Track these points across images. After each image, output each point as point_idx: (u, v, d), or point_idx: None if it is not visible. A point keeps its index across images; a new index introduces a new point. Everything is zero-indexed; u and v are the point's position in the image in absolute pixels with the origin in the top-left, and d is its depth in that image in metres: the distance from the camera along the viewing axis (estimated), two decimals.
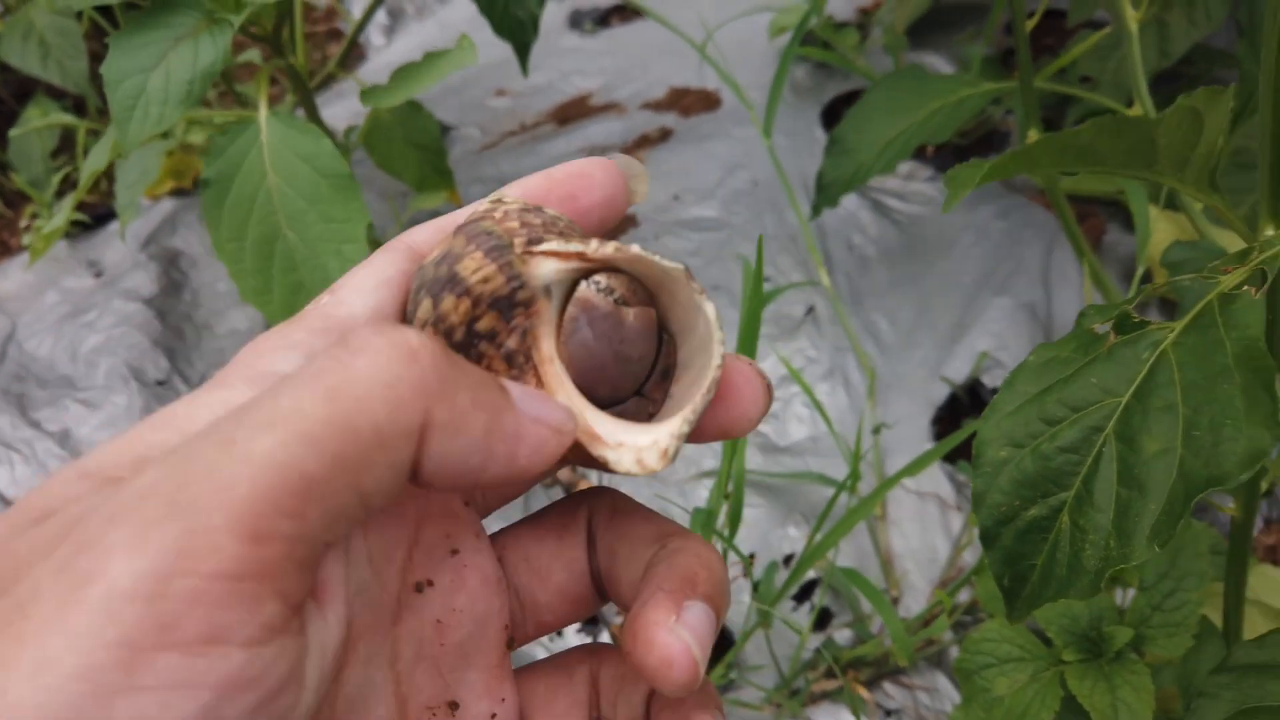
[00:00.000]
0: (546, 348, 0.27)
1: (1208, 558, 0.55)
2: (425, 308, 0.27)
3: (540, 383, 0.26)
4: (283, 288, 0.71)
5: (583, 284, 0.27)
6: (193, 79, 0.69)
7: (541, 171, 0.29)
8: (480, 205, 0.28)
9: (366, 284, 0.27)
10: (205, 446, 0.20)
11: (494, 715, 0.28)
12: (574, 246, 0.26)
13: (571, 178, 0.29)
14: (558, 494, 0.85)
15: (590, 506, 0.30)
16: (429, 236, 0.29)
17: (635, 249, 0.26)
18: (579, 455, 0.26)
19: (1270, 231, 0.39)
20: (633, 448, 0.26)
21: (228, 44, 0.70)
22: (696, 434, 0.27)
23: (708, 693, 0.27)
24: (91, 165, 0.79)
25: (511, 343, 0.26)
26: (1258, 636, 0.46)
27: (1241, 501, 0.53)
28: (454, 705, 0.27)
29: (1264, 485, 0.56)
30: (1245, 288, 0.36)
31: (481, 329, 0.26)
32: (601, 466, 0.26)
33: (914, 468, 0.64)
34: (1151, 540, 0.34)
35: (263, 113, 0.72)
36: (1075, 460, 0.38)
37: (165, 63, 0.70)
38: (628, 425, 0.27)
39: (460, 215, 0.29)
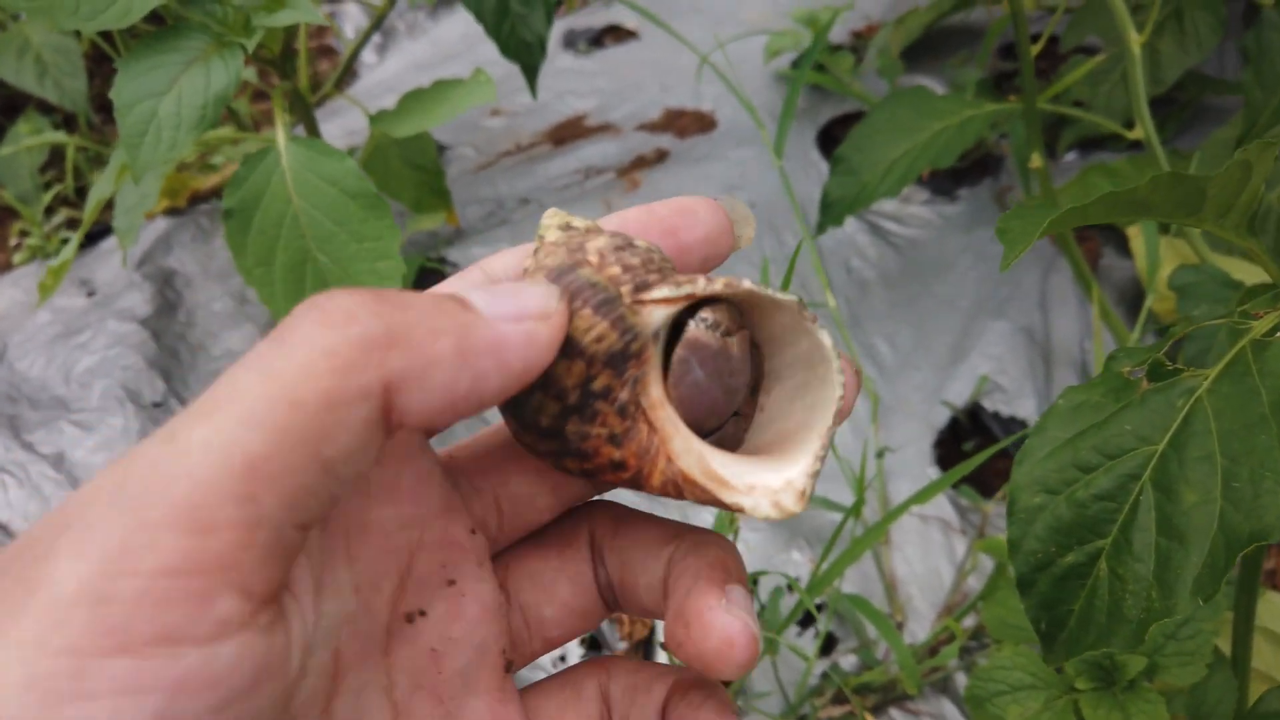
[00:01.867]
0: (655, 392, 0.26)
1: (1223, 588, 0.56)
2: None
3: (652, 428, 0.26)
4: None
5: (691, 324, 0.26)
6: (205, 103, 0.69)
7: (640, 206, 0.28)
8: (553, 235, 0.27)
9: None
10: (148, 445, 0.20)
11: None
12: (684, 290, 0.25)
13: (674, 213, 0.28)
14: None
15: (591, 520, 0.29)
16: (509, 264, 0.28)
17: (747, 284, 0.26)
18: (705, 499, 0.26)
19: None
20: (766, 490, 0.25)
21: (239, 68, 0.70)
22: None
23: (724, 698, 0.27)
24: (98, 193, 0.79)
25: (624, 395, 0.25)
26: None
27: None
28: None
29: None
30: (1278, 334, 0.37)
31: (597, 389, 0.25)
32: (735, 511, 0.26)
33: (922, 496, 0.65)
34: (1195, 594, 0.35)
35: (281, 138, 0.72)
36: (1112, 508, 0.39)
37: (177, 87, 0.69)
38: (751, 464, 0.26)
39: (530, 246, 0.28)
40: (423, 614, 0.26)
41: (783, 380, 0.28)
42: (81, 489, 0.20)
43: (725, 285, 0.25)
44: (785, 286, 0.57)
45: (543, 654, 0.29)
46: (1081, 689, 0.56)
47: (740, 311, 0.27)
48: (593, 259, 0.25)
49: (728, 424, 0.28)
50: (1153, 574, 0.37)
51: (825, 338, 0.26)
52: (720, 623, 0.25)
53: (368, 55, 1.60)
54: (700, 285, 0.25)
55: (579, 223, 0.27)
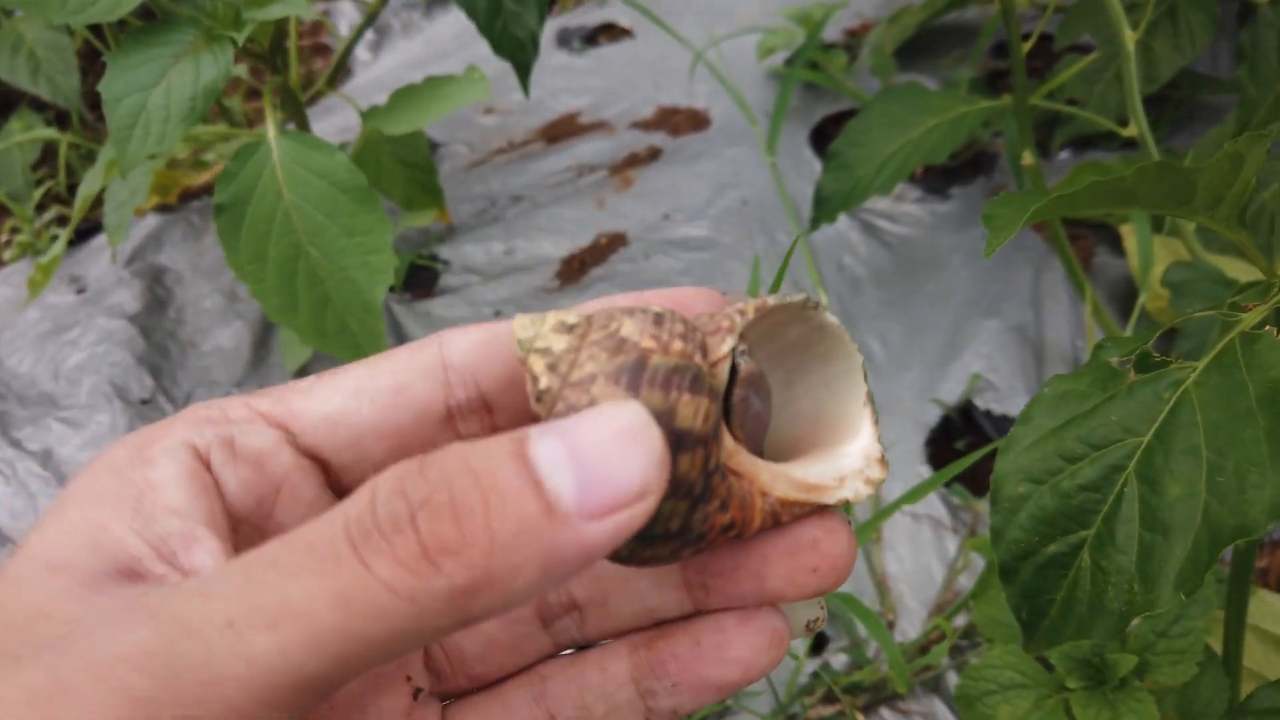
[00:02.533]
0: (728, 440, 0.25)
1: (1213, 585, 0.56)
2: None
3: (739, 475, 0.25)
4: (308, 303, 0.70)
5: (740, 362, 0.25)
6: (195, 96, 0.69)
7: (631, 294, 0.27)
8: (561, 342, 0.24)
9: (354, 385, 0.25)
10: (200, 620, 0.19)
11: None
12: (738, 336, 0.25)
13: (669, 302, 0.26)
14: None
15: None
16: (471, 347, 0.26)
17: (771, 300, 0.26)
18: (805, 512, 0.25)
19: None
20: (854, 473, 0.26)
21: (229, 61, 0.69)
22: None
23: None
24: (87, 188, 0.78)
25: (719, 459, 0.24)
26: (1277, 679, 0.46)
27: None
28: None
29: None
30: (1267, 327, 0.37)
31: (713, 466, 0.24)
32: (838, 506, 0.26)
33: (914, 495, 0.65)
34: (1177, 588, 0.35)
35: (271, 132, 0.71)
36: (1096, 499, 0.39)
37: (166, 80, 0.69)
38: (821, 459, 0.26)
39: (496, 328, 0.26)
40: None
41: (768, 373, 0.28)
42: (116, 636, 0.19)
43: (756, 310, 0.25)
44: (777, 286, 0.56)
45: (475, 689, 0.28)
46: (1072, 688, 0.56)
47: None
48: (649, 344, 0.23)
49: None
50: (1135, 566, 0.36)
51: (831, 317, 0.27)
52: (834, 528, 0.25)
53: (362, 53, 1.59)
54: (739, 322, 0.25)
55: (572, 317, 0.24)
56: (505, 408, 0.26)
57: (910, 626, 0.76)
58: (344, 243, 0.68)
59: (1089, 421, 0.40)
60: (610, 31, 1.52)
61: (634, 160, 1.24)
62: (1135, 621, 0.60)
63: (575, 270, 1.10)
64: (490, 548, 0.19)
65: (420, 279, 1.09)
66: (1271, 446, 0.35)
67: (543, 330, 0.24)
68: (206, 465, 0.24)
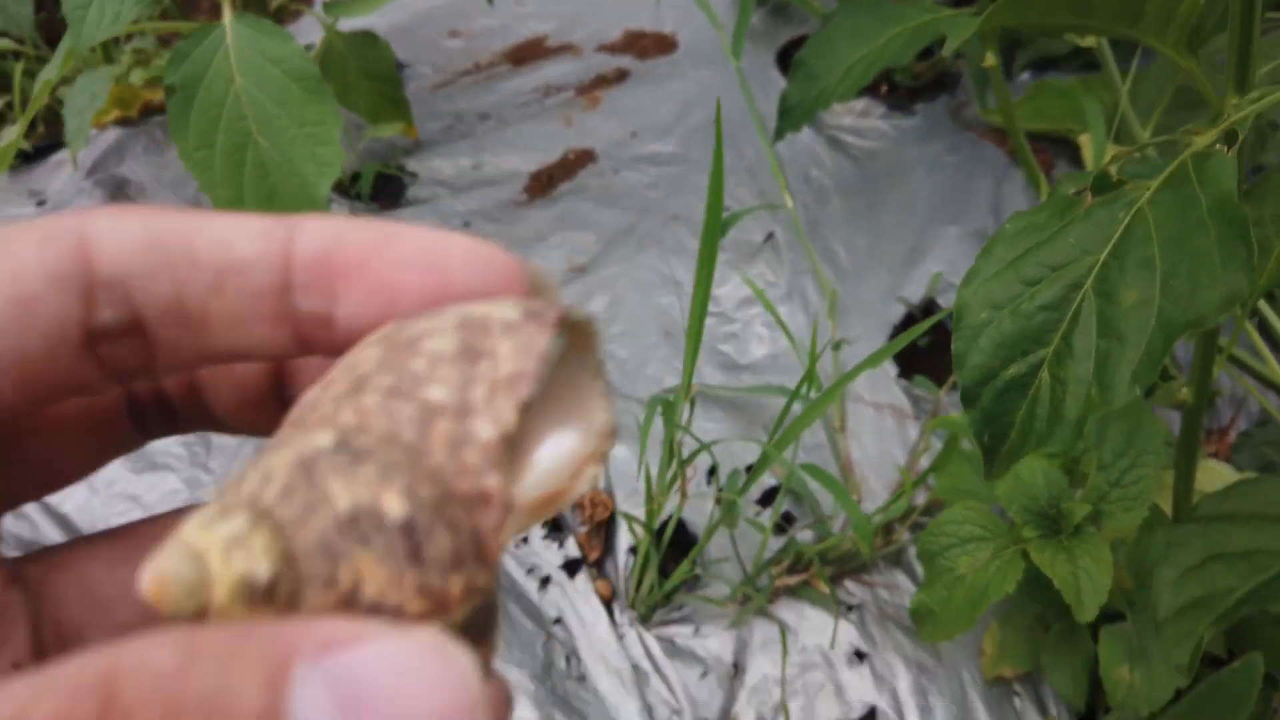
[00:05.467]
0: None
1: (1162, 440, 0.58)
2: None
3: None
4: (255, 196, 0.70)
5: None
6: None
7: (370, 225, 0.19)
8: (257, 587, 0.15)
9: None
10: None
11: None
12: (506, 521, 0.17)
13: (421, 266, 0.18)
14: None
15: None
16: (128, 254, 0.19)
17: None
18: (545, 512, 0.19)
19: (1235, 100, 0.41)
20: (586, 458, 0.19)
21: None
22: None
23: None
24: (46, 75, 0.78)
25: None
26: (1222, 489, 0.49)
27: (1194, 386, 0.56)
28: None
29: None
30: (1218, 146, 0.39)
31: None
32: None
33: (873, 360, 0.66)
34: (1132, 384, 0.37)
35: (227, 15, 0.71)
36: (1055, 317, 0.40)
37: None
38: (560, 435, 0.19)
39: None
40: None
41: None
42: None
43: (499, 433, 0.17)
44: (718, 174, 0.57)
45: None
46: (1029, 537, 0.59)
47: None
48: (417, 605, 0.16)
49: None
50: (1092, 374, 0.38)
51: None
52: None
53: None
54: (499, 486, 0.17)
55: (263, 569, 0.15)
56: (163, 336, 0.19)
57: (874, 507, 0.78)
58: (293, 133, 0.68)
59: (1048, 247, 0.41)
60: None
61: (601, 81, 1.25)
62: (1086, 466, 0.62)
63: (544, 184, 1.11)
64: None
65: (388, 190, 1.09)
66: (1223, 252, 0.37)
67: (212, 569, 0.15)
68: None
